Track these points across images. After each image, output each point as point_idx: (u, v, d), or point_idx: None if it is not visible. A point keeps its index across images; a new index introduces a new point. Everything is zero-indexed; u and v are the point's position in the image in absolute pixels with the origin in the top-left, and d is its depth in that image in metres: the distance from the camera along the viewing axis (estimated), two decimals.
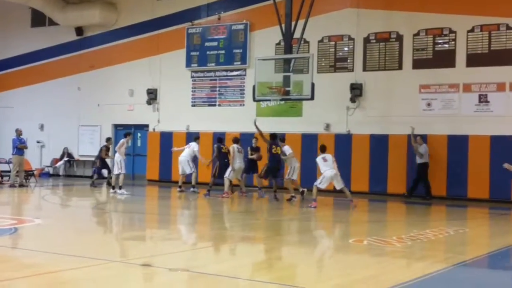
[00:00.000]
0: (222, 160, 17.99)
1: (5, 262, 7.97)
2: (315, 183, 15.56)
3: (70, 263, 7.63)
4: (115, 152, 18.49)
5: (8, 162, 21.61)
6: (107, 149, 20.31)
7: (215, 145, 18.54)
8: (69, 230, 11.26)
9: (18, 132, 20.16)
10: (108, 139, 20.64)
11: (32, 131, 25.31)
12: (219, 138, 19.06)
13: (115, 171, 18.00)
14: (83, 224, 12.39)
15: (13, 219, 12.32)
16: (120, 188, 17.86)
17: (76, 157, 25.46)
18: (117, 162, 17.90)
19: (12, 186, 19.61)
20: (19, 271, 7.22)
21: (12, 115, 26.13)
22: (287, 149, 17.10)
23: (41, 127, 25.98)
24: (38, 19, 26.32)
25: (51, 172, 25.55)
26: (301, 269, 8.08)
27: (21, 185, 19.46)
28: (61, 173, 25.29)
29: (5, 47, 27.14)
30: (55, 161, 25.54)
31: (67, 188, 21.84)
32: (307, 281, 7.08)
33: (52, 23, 25.68)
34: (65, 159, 25.32)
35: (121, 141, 18.15)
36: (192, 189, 18.53)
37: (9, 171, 21.13)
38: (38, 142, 25.45)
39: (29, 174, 21.66)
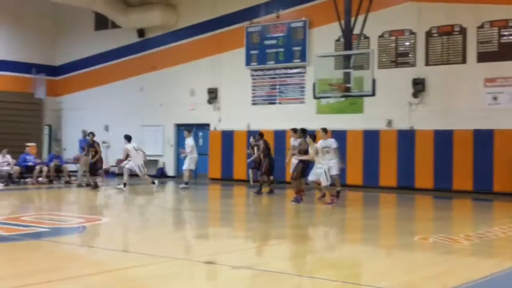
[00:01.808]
0: (270, 156, 17.76)
1: (75, 260, 8.20)
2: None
3: (136, 260, 7.79)
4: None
5: (75, 163, 22.20)
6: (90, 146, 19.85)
7: (261, 141, 17.92)
8: (135, 228, 11.50)
9: (85, 133, 20.69)
10: (89, 134, 20.22)
11: (97, 132, 25.81)
12: (261, 133, 18.45)
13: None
14: (148, 222, 12.62)
15: (81, 217, 12.66)
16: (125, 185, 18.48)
17: None
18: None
19: (79, 185, 20.16)
20: (87, 268, 7.41)
21: (78, 116, 26.84)
22: (333, 141, 15.94)
23: (106, 127, 26.58)
24: (101, 22, 26.95)
25: (116, 171, 26.10)
26: (365, 266, 8.00)
27: (88, 185, 19.97)
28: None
29: (70, 50, 27.90)
30: (120, 161, 26.07)
31: (131, 188, 22.28)
32: (371, 279, 7.01)
33: (114, 26, 26.25)
34: (129, 159, 25.79)
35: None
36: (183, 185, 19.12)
37: (77, 171, 21.73)
38: (103, 142, 26.02)
39: (96, 174, 22.17)
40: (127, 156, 18.46)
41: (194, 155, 19.38)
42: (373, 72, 17.20)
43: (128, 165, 18.79)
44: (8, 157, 20.97)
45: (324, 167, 14.81)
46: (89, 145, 19.58)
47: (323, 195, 15.68)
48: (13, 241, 9.26)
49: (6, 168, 20.66)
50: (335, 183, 15.73)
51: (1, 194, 18.24)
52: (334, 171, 15.52)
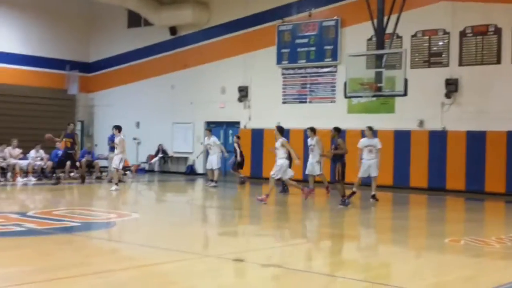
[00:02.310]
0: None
1: (105, 254, 8.30)
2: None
3: (166, 256, 7.84)
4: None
5: (106, 158, 22.41)
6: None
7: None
8: (165, 224, 11.57)
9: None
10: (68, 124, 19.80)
11: (128, 128, 26.14)
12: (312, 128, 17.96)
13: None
14: (178, 219, 12.70)
15: (112, 213, 12.79)
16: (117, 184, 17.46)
17: (170, 153, 26.13)
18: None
19: (110, 181, 20.34)
20: (118, 263, 7.49)
21: (110, 113, 27.12)
22: (378, 141, 15.78)
23: (137, 124, 26.81)
24: (134, 20, 27.19)
25: (146, 168, 26.35)
26: (395, 267, 7.94)
27: (119, 181, 20.13)
28: (156, 169, 26.03)
29: (103, 48, 28.21)
30: (151, 157, 26.31)
31: (162, 184, 22.45)
32: (401, 280, 6.95)
33: (147, 23, 26.45)
34: (160, 155, 26.04)
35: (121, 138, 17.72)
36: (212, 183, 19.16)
37: (108, 167, 21.95)
38: (134, 139, 26.29)
39: (126, 170, 22.43)
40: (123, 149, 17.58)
41: (220, 153, 19.57)
42: (405, 71, 17.04)
43: (117, 159, 17.44)
44: (42, 152, 21.29)
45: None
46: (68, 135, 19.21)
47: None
48: (45, 234, 9.41)
49: (39, 163, 20.98)
50: (372, 185, 15.63)
51: (34, 188, 18.53)
52: (373, 173, 15.49)
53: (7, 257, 7.76)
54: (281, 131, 14.84)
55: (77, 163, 19.84)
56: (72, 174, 21.22)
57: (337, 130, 15.22)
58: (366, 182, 15.75)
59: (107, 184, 20.01)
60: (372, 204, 15.19)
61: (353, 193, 15.10)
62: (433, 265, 8.10)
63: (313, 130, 16.94)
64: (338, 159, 14.71)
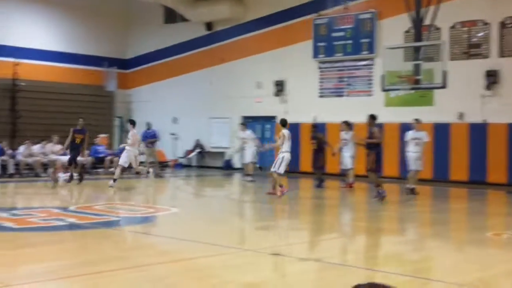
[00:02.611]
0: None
1: (146, 248, 8.38)
2: None
3: (205, 250, 7.88)
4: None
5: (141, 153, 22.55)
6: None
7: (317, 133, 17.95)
8: (203, 218, 11.63)
9: (148, 126, 21.14)
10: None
11: (166, 124, 26.41)
12: (315, 124, 18.56)
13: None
14: (216, 213, 12.76)
15: (151, 207, 12.92)
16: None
17: (207, 148, 26.26)
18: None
19: (145, 176, 20.45)
20: (158, 257, 7.55)
21: (148, 109, 27.37)
22: (425, 134, 15.58)
23: (175, 120, 26.99)
24: (170, 16, 27.37)
25: (184, 163, 26.53)
26: (436, 262, 7.83)
27: (157, 176, 20.31)
28: (193, 164, 26.18)
29: (140, 44, 28.47)
30: (188, 152, 26.48)
31: (199, 179, 22.59)
32: (443, 275, 6.85)
33: (183, 19, 26.59)
34: (197, 150, 26.18)
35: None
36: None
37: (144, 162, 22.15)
38: (172, 134, 26.48)
39: (164, 165, 22.63)
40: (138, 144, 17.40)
41: (254, 147, 19.59)
42: (444, 64, 16.78)
43: (125, 157, 16.79)
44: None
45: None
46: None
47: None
48: (86, 229, 9.55)
49: (79, 158, 21.26)
50: (411, 179, 15.35)
51: (75, 183, 18.80)
52: (417, 166, 15.25)
53: (49, 251, 7.90)
54: (284, 123, 14.72)
55: (81, 160, 18.30)
56: (111, 169, 21.47)
57: (372, 117, 14.68)
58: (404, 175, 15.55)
59: (144, 179, 20.16)
60: (410, 198, 15.00)
61: (413, 189, 15.06)
62: (476, 259, 7.97)
63: (348, 124, 16.89)
64: (372, 148, 14.17)
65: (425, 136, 15.42)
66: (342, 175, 17.57)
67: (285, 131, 14.26)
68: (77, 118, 24.84)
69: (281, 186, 14.16)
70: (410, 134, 15.49)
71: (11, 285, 5.90)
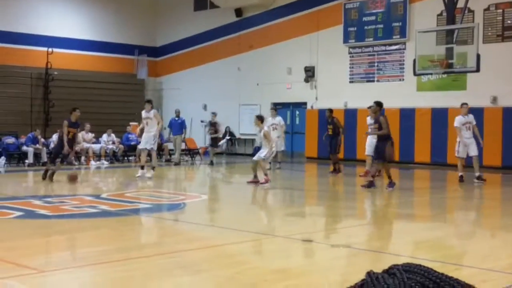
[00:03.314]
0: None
1: (177, 235, 8.45)
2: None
3: (235, 237, 7.91)
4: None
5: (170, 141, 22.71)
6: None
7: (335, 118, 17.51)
8: (233, 205, 11.68)
9: (177, 113, 21.30)
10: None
11: (196, 111, 26.52)
12: (331, 109, 17.96)
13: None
14: (246, 200, 12.79)
15: (182, 195, 13.01)
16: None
17: (237, 135, 26.30)
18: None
19: (176, 164, 20.62)
20: (189, 243, 7.61)
21: (178, 96, 27.50)
22: (473, 118, 14.96)
23: (204, 107, 27.09)
24: (200, 3, 27.39)
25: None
26: (468, 248, 7.75)
27: (176, 164, 20.41)
28: (223, 151, 26.27)
29: (170, 32, 28.58)
30: (218, 139, 26.54)
31: (229, 166, 22.66)
32: (474, 260, 6.78)
33: (213, 6, 26.59)
34: (227, 137, 26.25)
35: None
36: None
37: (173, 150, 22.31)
38: (201, 121, 26.58)
39: (194, 152, 22.77)
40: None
41: (283, 133, 19.44)
42: (477, 47, 16.51)
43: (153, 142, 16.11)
44: (113, 136, 21.85)
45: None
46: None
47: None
48: (118, 216, 9.66)
49: (111, 146, 21.54)
50: (474, 166, 14.61)
51: (107, 171, 19.06)
52: (473, 152, 14.51)
53: (83, 238, 8.02)
54: (262, 119, 14.27)
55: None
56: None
57: (379, 104, 13.73)
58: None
59: (175, 166, 20.32)
60: (442, 185, 14.83)
61: (461, 176, 14.48)
62: (508, 245, 7.85)
63: (465, 105, 15.18)
64: (384, 139, 13.23)
65: (473, 119, 14.81)
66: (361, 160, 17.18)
67: (266, 128, 14.26)
68: (110, 107, 25.26)
69: (266, 174, 14.00)
70: (459, 120, 14.62)
71: (45, 271, 6.01)
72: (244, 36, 25.99)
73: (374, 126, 15.23)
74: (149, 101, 16.88)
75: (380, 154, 13.15)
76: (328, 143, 17.30)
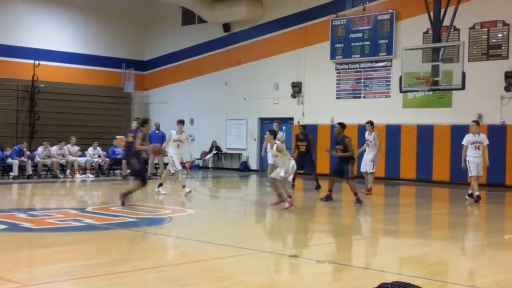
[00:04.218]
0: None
1: (163, 249, 8.41)
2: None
3: (222, 252, 7.89)
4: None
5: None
6: None
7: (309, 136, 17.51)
8: (220, 220, 11.65)
9: (157, 126, 21.32)
10: None
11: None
12: (304, 126, 17.90)
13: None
14: (232, 215, 12.76)
15: (168, 209, 12.95)
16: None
17: (224, 150, 26.29)
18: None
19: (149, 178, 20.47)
20: (175, 258, 7.58)
21: (165, 110, 27.47)
22: (485, 137, 14.80)
23: (191, 121, 27.06)
24: (188, 18, 27.47)
25: (201, 164, 26.58)
26: (453, 265, 7.78)
27: (154, 175, 20.35)
28: (210, 165, 26.23)
29: (158, 46, 28.60)
30: (204, 154, 26.53)
31: (216, 180, 22.62)
32: (459, 278, 6.80)
33: (201, 21, 26.67)
34: (214, 152, 26.23)
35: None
36: None
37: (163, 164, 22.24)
38: (189, 136, 26.53)
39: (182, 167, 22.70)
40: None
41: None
42: (463, 65, 16.66)
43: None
44: (99, 150, 21.75)
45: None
46: None
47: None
48: (103, 230, 9.60)
49: (97, 159, 21.43)
50: (474, 185, 14.45)
51: (92, 185, 18.94)
52: (478, 172, 14.42)
53: (68, 252, 7.96)
54: (275, 135, 13.44)
55: None
56: (128, 171, 21.57)
57: (342, 126, 13.85)
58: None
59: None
60: (428, 201, 14.90)
61: (478, 196, 14.25)
62: (493, 262, 7.90)
63: (372, 124, 16.11)
64: (347, 160, 13.69)
65: (485, 139, 14.60)
66: (360, 177, 17.21)
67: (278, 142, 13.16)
68: (96, 120, 25.15)
69: (290, 196, 12.98)
70: (468, 138, 14.60)
71: (28, 286, 5.95)
72: (231, 51, 26.08)
73: (368, 142, 15.69)
74: (182, 122, 15.40)
75: (347, 173, 13.64)
76: (300, 160, 16.65)
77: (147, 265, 7.00)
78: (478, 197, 14.36)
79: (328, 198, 13.93)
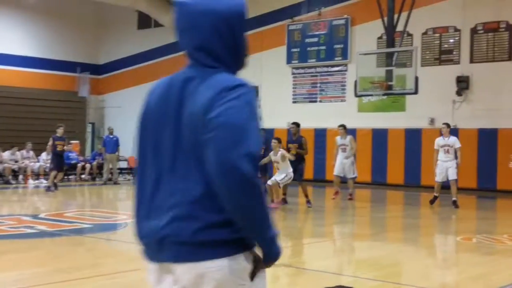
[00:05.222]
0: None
1: (118, 255, 8.32)
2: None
3: None
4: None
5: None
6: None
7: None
8: None
9: (110, 131, 21.14)
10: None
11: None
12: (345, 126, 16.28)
13: None
14: None
15: (123, 214, 12.82)
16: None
17: None
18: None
19: (116, 183, 20.30)
20: (129, 264, 7.49)
21: (121, 114, 27.18)
22: (456, 140, 14.59)
23: None
24: (144, 21, 27.24)
25: None
26: (407, 266, 7.90)
27: (109, 180, 20.18)
28: None
29: (113, 49, 28.29)
30: None
31: None
32: (413, 279, 6.91)
33: (157, 24, 26.48)
34: None
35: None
36: None
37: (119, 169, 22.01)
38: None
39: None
40: None
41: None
42: (416, 69, 16.97)
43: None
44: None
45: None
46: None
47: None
48: (57, 236, 9.44)
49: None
50: (452, 190, 14.28)
51: (45, 190, 18.60)
52: (452, 176, 14.17)
53: (20, 259, 7.80)
54: (281, 143, 13.49)
55: None
56: (83, 176, 21.28)
57: (298, 125, 14.07)
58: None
59: (115, 185, 20.00)
60: (383, 204, 15.11)
61: (435, 197, 14.35)
62: (446, 263, 8.06)
63: (345, 128, 15.60)
64: (302, 160, 13.85)
65: (456, 142, 14.34)
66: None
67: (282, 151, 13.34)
68: (50, 125, 24.63)
69: (278, 198, 13.49)
70: (438, 141, 14.41)
71: None
72: None
73: (343, 146, 15.51)
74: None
75: (301, 174, 13.65)
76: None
77: (101, 272, 6.91)
78: (435, 198, 14.52)
79: (283, 201, 13.95)
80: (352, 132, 18.76)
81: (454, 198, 14.24)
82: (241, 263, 2.23)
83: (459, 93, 19.37)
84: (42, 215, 11.86)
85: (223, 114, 2.19)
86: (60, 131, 17.66)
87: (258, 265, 2.30)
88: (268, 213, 2.21)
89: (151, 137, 2.39)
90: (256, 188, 2.13)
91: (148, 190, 2.31)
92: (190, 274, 2.19)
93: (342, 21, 21.78)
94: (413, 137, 19.85)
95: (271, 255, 2.31)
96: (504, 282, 6.51)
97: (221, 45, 2.41)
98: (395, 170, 19.96)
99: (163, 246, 2.23)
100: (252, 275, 2.29)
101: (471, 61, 19.34)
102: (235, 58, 2.47)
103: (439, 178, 14.37)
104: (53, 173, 17.44)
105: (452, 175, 14.21)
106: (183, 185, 2.21)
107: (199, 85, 2.31)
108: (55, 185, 17.36)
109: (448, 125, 14.84)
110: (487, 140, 18.69)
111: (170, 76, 2.51)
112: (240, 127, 2.18)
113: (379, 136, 20.41)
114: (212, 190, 2.15)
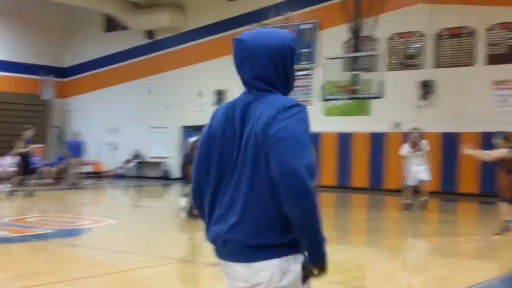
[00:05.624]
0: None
1: (80, 261, 8.19)
2: None
3: (142, 262, 7.76)
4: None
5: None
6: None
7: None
8: (141, 230, 11.47)
9: (75, 134, 20.92)
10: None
11: (104, 133, 26.00)
12: None
13: None
14: (154, 225, 12.59)
15: (87, 219, 12.66)
16: None
17: (147, 158, 25.93)
18: None
19: (79, 188, 20.03)
20: (92, 270, 7.39)
21: (86, 118, 26.89)
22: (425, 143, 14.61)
23: (110, 129, 26.59)
24: (111, 24, 26.98)
25: (123, 173, 26.14)
26: (371, 269, 7.94)
27: (72, 184, 19.92)
28: (131, 174, 25.81)
29: (79, 52, 27.95)
30: (127, 161, 26.11)
31: (138, 189, 22.30)
32: (377, 282, 6.95)
33: (124, 27, 26.27)
34: (136, 160, 25.83)
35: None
36: None
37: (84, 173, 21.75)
38: (110, 144, 26.08)
39: (101, 176, 22.26)
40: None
41: None
42: (381, 74, 17.12)
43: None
44: (16, 159, 20.99)
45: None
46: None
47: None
48: (18, 242, 9.27)
49: (13, 169, 20.68)
50: (423, 191, 14.34)
51: (8, 195, 18.26)
52: (424, 177, 14.17)
53: None
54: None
55: None
56: (46, 180, 20.97)
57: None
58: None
59: (78, 190, 19.71)
60: (346, 207, 15.16)
61: (406, 204, 14.29)
62: (409, 266, 8.13)
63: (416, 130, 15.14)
64: None
65: (425, 145, 14.43)
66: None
67: None
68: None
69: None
70: (407, 146, 14.49)
71: None
72: (155, 58, 25.82)
73: None
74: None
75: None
76: None
77: (64, 277, 6.80)
78: (407, 205, 14.46)
79: None
80: (318, 136, 18.91)
81: (426, 198, 14.36)
82: (291, 264, 2.60)
83: (424, 97, 19.61)
84: (4, 220, 11.62)
85: (284, 129, 2.58)
86: (29, 133, 17.35)
87: (307, 269, 2.65)
88: (320, 220, 2.58)
89: (215, 152, 2.79)
90: (313, 195, 2.52)
91: (213, 199, 2.75)
92: (247, 272, 2.62)
93: (310, 26, 21.88)
94: (378, 141, 20.02)
95: (318, 258, 2.63)
96: (466, 284, 6.59)
97: (275, 74, 2.82)
98: (360, 173, 20.12)
99: (225, 248, 2.70)
100: (304, 279, 2.66)
101: (436, 66, 19.60)
102: (285, 84, 2.87)
103: (411, 181, 14.40)
104: (18, 177, 17.12)
105: (426, 176, 14.30)
106: (242, 195, 2.62)
107: (258, 106, 2.73)
108: (32, 191, 16.90)
109: (416, 129, 14.96)
110: (451, 143, 18.94)
111: (233, 100, 3.01)
112: (300, 141, 2.57)
113: (345, 140, 20.55)
114: (266, 201, 2.58)
